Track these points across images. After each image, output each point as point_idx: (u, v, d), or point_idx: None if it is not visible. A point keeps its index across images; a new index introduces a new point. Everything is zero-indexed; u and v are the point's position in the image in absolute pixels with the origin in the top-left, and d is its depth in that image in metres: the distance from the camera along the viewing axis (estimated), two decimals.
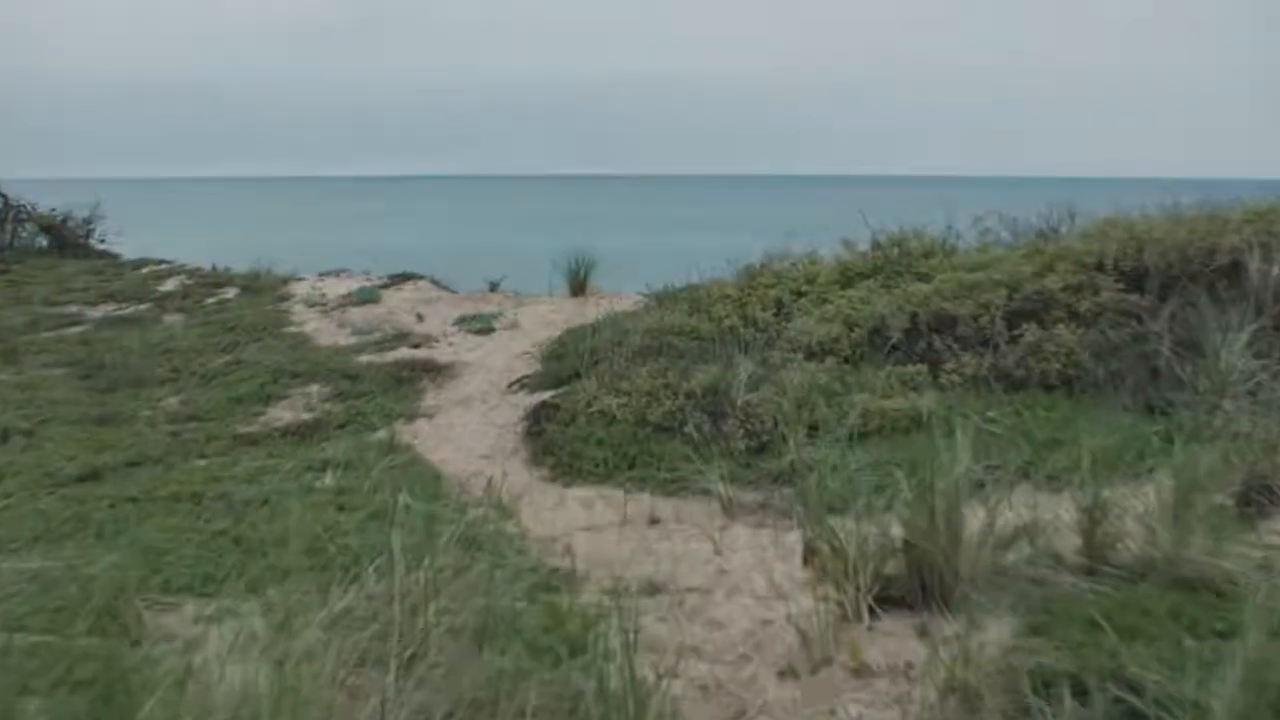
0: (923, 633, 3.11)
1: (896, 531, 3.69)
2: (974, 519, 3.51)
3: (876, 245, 7.84)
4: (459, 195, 71.40)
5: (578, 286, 10.01)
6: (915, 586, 3.21)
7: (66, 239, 16.34)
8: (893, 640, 3.11)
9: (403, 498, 4.69)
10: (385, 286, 10.97)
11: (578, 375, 6.66)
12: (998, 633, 2.96)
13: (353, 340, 8.68)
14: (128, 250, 16.30)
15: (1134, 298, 5.64)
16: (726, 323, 7.08)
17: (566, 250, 10.58)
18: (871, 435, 5.13)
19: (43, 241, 16.44)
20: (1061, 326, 5.60)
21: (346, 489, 5.16)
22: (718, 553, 4.16)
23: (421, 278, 11.22)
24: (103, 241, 16.59)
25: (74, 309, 11.27)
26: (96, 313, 11.06)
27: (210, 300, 11.22)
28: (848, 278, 7.49)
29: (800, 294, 7.34)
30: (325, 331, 9.21)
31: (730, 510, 4.61)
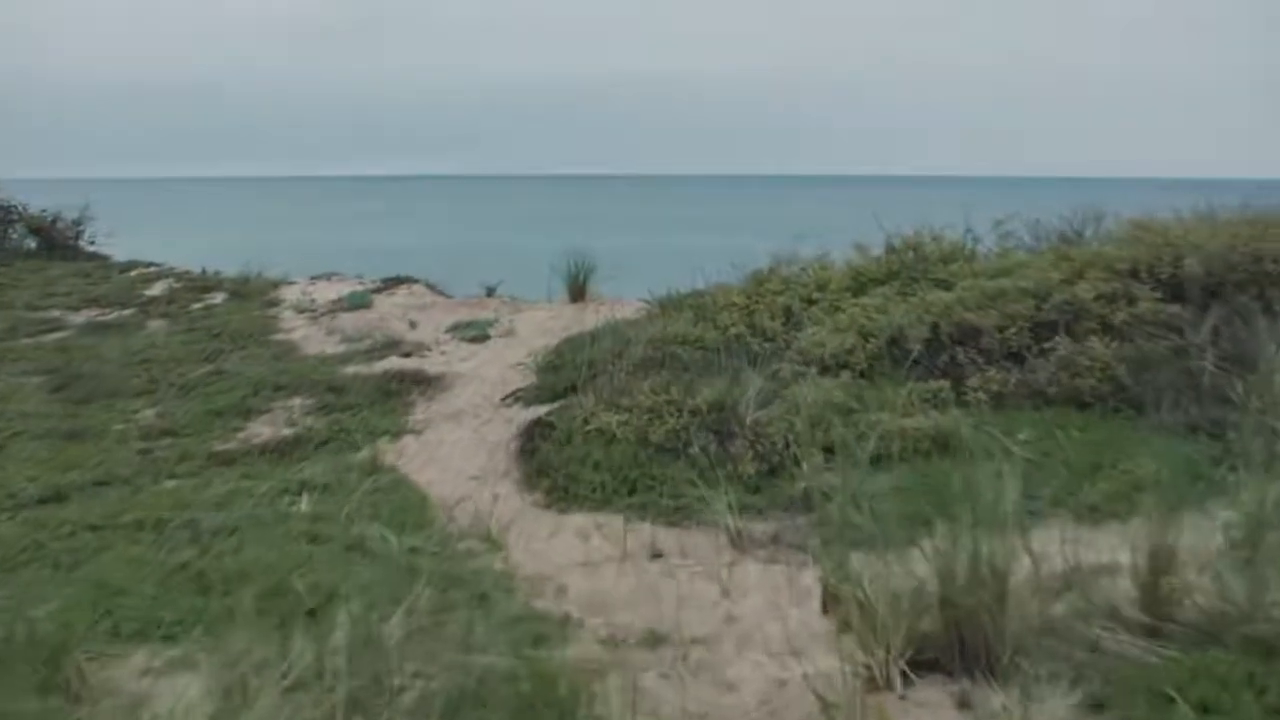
0: (964, 703, 2.71)
1: (927, 575, 3.30)
2: (1017, 565, 3.12)
3: (891, 249, 7.43)
4: (459, 195, 71.13)
5: (577, 292, 9.61)
6: (954, 648, 2.81)
7: (56, 241, 15.94)
8: (928, 712, 2.72)
9: (380, 530, 4.33)
10: (378, 291, 10.59)
11: (575, 389, 6.26)
12: (1052, 707, 2.56)
13: (341, 349, 8.29)
14: (120, 252, 15.94)
15: (1174, 308, 5.23)
16: (733, 332, 6.68)
17: (566, 251, 10.19)
18: (892, 458, 4.72)
19: (31, 243, 16.05)
20: (1095, 339, 5.20)
21: (323, 516, 4.76)
22: (726, 595, 3.76)
23: (416, 282, 10.84)
24: (93, 243, 16.20)
25: (56, 314, 10.89)
26: (79, 318, 10.67)
27: (196, 306, 10.83)
28: (860, 284, 7.09)
29: (811, 301, 6.93)
30: (313, 339, 8.82)
31: (739, 543, 4.22)
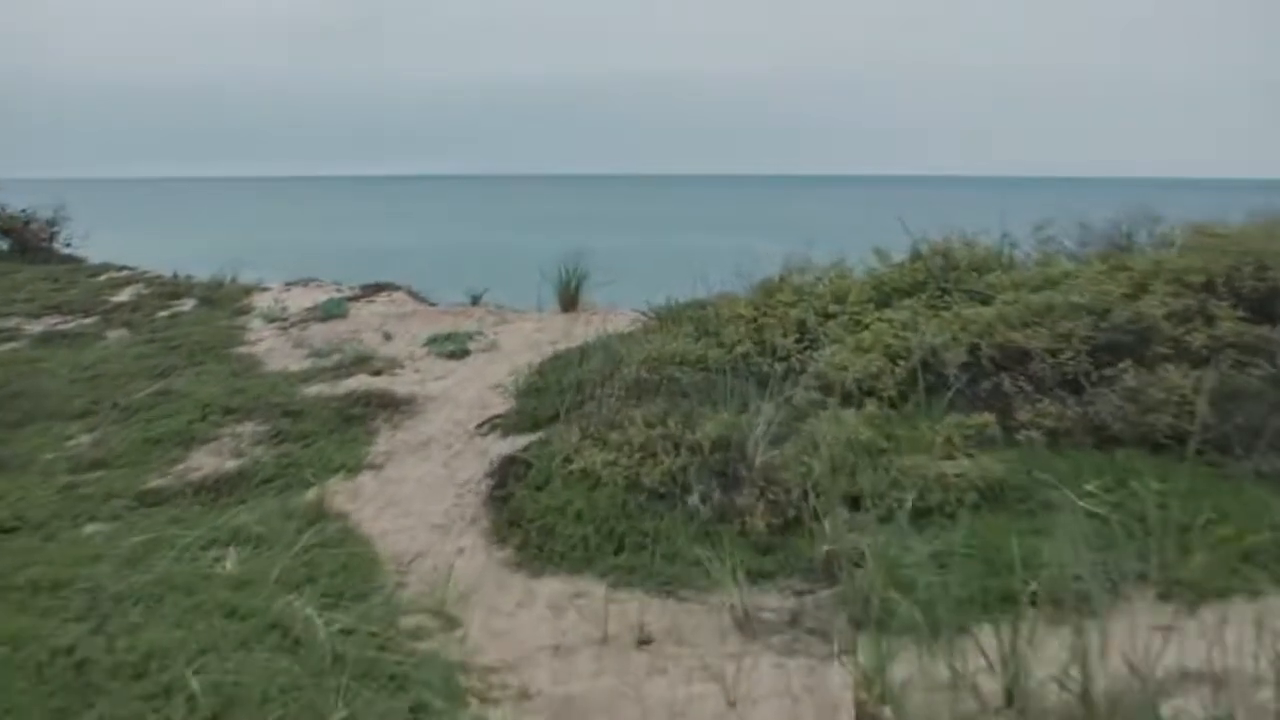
0: None
1: (997, 696, 2.52)
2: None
3: (916, 255, 6.63)
4: (458, 195, 70.61)
5: (569, 300, 8.81)
6: None
7: (29, 242, 15.17)
8: None
9: (308, 608, 3.55)
10: (356, 298, 9.80)
11: (559, 417, 5.49)
12: None
13: (307, 364, 7.51)
14: (103, 253, 15.28)
15: (1263, 329, 4.42)
16: (739, 350, 5.89)
17: (562, 252, 9.35)
18: (933, 513, 3.92)
19: (3, 245, 15.30)
20: (1169, 366, 4.39)
21: (249, 580, 3.98)
22: (731, 704, 2.97)
23: (398, 288, 10.05)
24: (68, 245, 15.44)
25: (14, 322, 10.12)
26: (37, 327, 9.91)
27: (163, 314, 10.07)
28: (884, 295, 6.29)
29: (828, 315, 6.12)
30: (279, 352, 8.05)
31: (747, 626, 3.43)
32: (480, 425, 5.86)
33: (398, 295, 9.86)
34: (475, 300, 9.34)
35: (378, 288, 10.06)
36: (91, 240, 15.69)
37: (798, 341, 5.91)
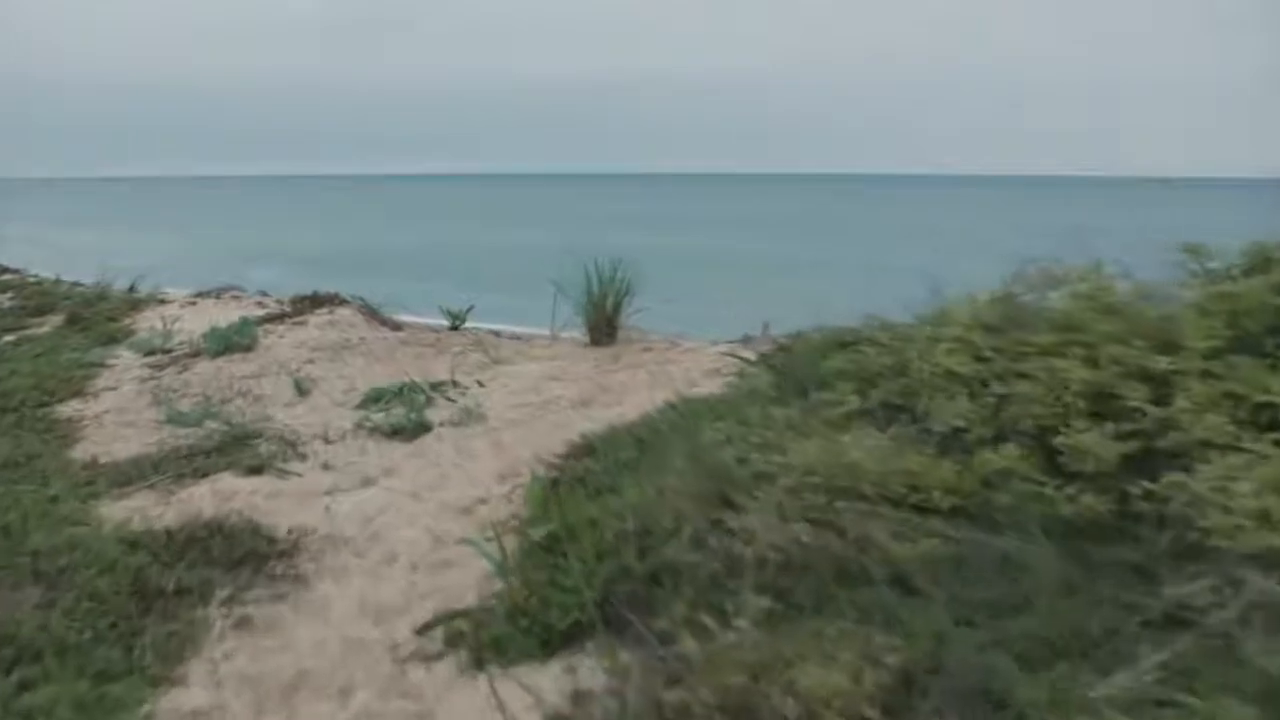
0: None
1: None
2: None
3: (1270, 258, 3.38)
4: (458, 195, 68.39)
5: (602, 326, 5.57)
6: None
7: None
8: None
9: None
10: (281, 317, 6.65)
11: (599, 624, 2.33)
12: None
13: (149, 444, 4.34)
14: (26, 256, 12.86)
15: None
16: (995, 463, 2.71)
17: (590, 256, 6.12)
18: None
19: None
20: None
21: None
22: None
23: (345, 303, 6.89)
24: None
25: None
26: None
27: (8, 338, 6.98)
28: (1244, 333, 3.07)
29: (1151, 379, 2.92)
30: (121, 415, 4.89)
31: None
32: (421, 630, 2.67)
33: (343, 313, 6.67)
34: (456, 324, 6.13)
35: (316, 301, 6.89)
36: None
37: (1121, 439, 2.71)
